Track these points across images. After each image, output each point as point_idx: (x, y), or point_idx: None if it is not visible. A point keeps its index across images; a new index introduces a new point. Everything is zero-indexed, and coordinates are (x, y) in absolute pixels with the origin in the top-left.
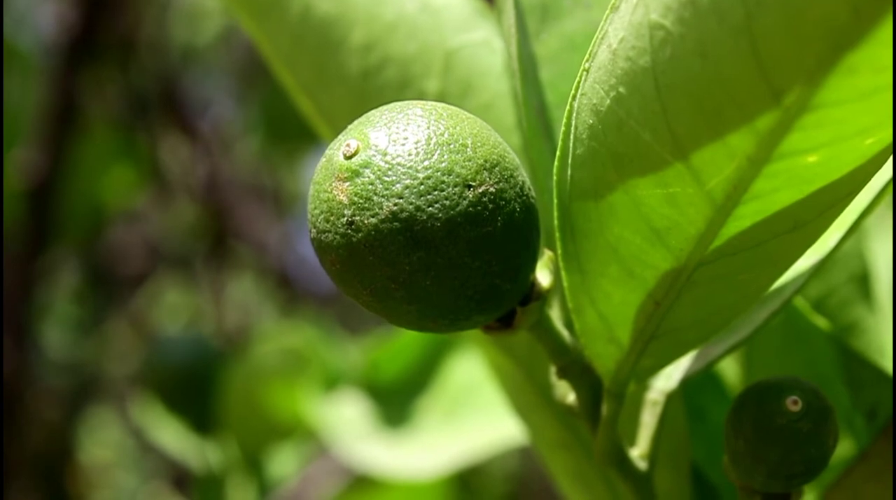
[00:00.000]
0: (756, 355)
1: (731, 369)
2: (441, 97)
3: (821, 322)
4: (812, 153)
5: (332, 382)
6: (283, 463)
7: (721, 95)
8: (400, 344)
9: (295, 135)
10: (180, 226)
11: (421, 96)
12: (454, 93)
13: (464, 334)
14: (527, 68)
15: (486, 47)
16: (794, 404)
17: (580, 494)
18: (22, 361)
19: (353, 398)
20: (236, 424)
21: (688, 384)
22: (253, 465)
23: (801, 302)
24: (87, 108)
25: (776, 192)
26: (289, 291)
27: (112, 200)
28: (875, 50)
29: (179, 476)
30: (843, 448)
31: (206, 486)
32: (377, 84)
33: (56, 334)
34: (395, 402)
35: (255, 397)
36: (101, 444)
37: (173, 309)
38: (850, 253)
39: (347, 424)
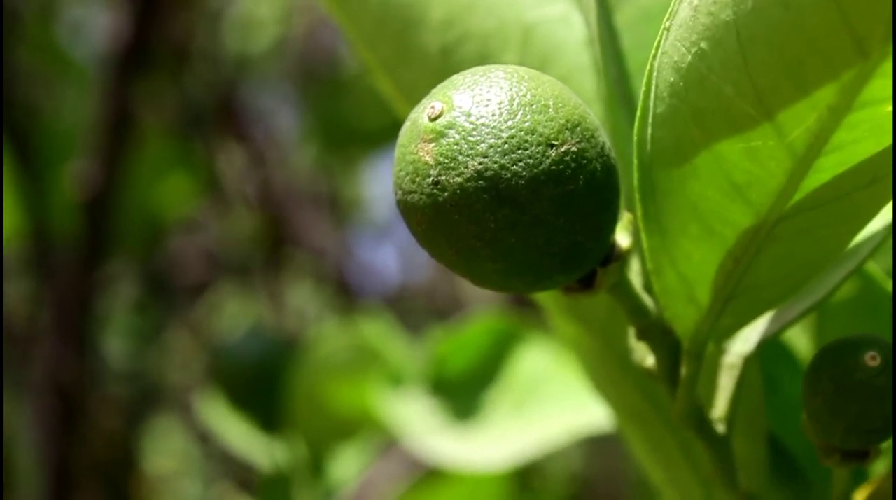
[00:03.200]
0: (827, 327)
1: (802, 343)
2: None
3: (892, 289)
4: (889, 101)
5: (398, 377)
6: (350, 461)
7: (803, 44)
8: (466, 337)
9: (352, 142)
10: (238, 234)
11: None
12: (532, 66)
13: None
14: (606, 38)
15: (563, 22)
16: (872, 359)
17: (658, 464)
18: (82, 370)
19: (421, 393)
20: (303, 422)
21: (761, 356)
22: (319, 463)
23: (875, 269)
24: (142, 118)
25: (856, 143)
26: (347, 297)
27: (169, 210)
28: None
29: (244, 480)
30: None
31: (273, 484)
32: (456, 60)
33: (117, 343)
34: (463, 395)
35: (322, 394)
36: (164, 453)
37: (233, 317)
38: None
39: (416, 418)
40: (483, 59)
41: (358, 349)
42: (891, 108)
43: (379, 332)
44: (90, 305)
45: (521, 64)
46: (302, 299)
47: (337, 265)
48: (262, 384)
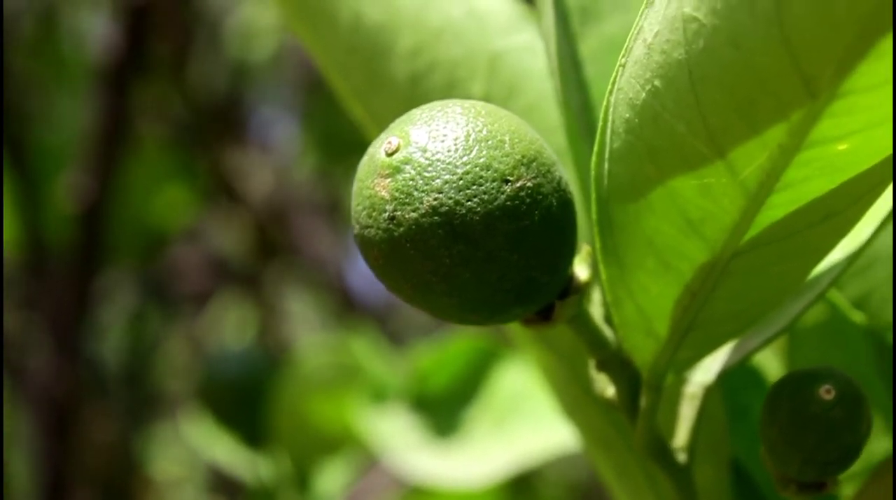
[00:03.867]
0: (798, 353)
1: (773, 368)
2: (486, 99)
3: (858, 318)
4: (843, 141)
5: (380, 393)
6: (335, 476)
7: (753, 84)
8: (447, 354)
9: (352, 151)
10: (238, 243)
11: (467, 99)
12: (499, 95)
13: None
14: (567, 69)
15: (529, 50)
16: (827, 392)
17: (624, 490)
18: (77, 381)
19: (402, 409)
20: (287, 437)
21: (730, 382)
22: (304, 478)
23: (839, 299)
24: (141, 127)
25: (808, 180)
26: (348, 305)
27: (168, 220)
28: None
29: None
30: (881, 443)
31: (258, 499)
32: (425, 88)
33: (117, 352)
34: (445, 412)
35: (304, 410)
36: (168, 460)
37: (233, 325)
38: (889, 252)
39: (397, 435)
40: (451, 87)
41: (340, 366)
42: (842, 146)
43: (362, 348)
44: (85, 315)
45: (488, 92)
46: (302, 307)
47: (337, 274)
48: (246, 400)
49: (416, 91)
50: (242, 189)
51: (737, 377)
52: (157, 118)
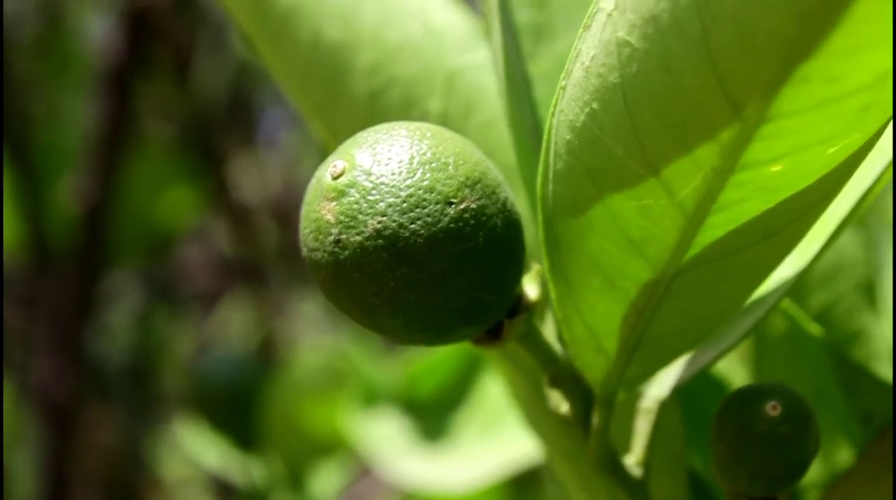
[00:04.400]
0: (764, 364)
1: (740, 377)
2: (444, 116)
3: (815, 330)
4: (775, 163)
5: (371, 398)
6: (328, 479)
7: (684, 108)
8: (437, 360)
9: None
10: (245, 243)
11: (424, 116)
12: (456, 112)
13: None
14: (518, 87)
15: (485, 68)
16: (773, 409)
17: None
18: (78, 382)
19: (392, 414)
20: (278, 441)
21: (694, 392)
22: (296, 482)
23: (797, 310)
24: (144, 127)
25: (744, 201)
26: None
27: (173, 220)
28: (825, 61)
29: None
30: (842, 455)
31: None
32: (383, 105)
33: (123, 353)
34: (434, 417)
35: (296, 414)
36: (178, 461)
37: (239, 326)
38: (855, 261)
39: (386, 439)
40: (408, 104)
41: (331, 370)
42: (776, 168)
43: (353, 352)
44: (88, 316)
45: (446, 109)
46: (309, 307)
47: None
48: (238, 404)
49: (374, 108)
50: (249, 189)
51: (701, 387)
52: (161, 118)
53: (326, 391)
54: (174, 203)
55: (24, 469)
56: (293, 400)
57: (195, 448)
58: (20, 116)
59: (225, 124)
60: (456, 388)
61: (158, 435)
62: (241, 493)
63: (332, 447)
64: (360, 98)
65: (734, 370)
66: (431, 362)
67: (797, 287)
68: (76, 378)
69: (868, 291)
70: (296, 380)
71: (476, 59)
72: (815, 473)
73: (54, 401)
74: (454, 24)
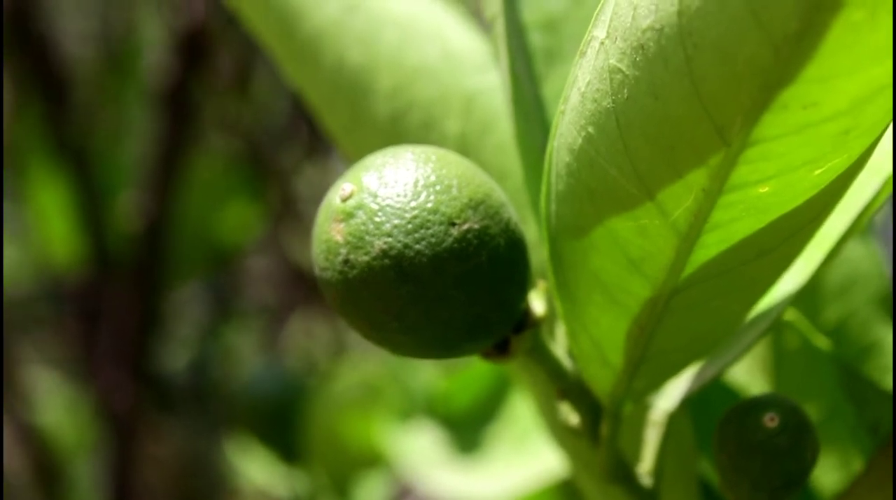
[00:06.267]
0: (782, 376)
1: (758, 390)
2: (462, 137)
3: (824, 345)
4: (762, 184)
5: (407, 412)
6: (370, 492)
7: (672, 132)
8: (471, 374)
9: None
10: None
11: (443, 137)
12: (474, 132)
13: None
14: (529, 110)
15: (501, 90)
16: (771, 420)
17: None
18: (141, 396)
19: (427, 428)
20: (320, 455)
21: (712, 403)
22: (339, 494)
23: (804, 323)
24: (204, 142)
25: (735, 221)
26: None
27: (236, 233)
28: (802, 88)
29: None
30: (855, 464)
31: None
32: (404, 126)
33: (188, 366)
34: (467, 431)
35: (336, 429)
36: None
37: (302, 337)
38: (870, 275)
39: (422, 452)
40: (427, 125)
41: (367, 386)
42: (764, 189)
43: (390, 367)
44: (150, 329)
45: (463, 130)
46: None
47: None
48: (281, 419)
49: (396, 129)
50: (314, 200)
51: (719, 398)
52: (223, 132)
53: (362, 407)
54: (237, 217)
55: (88, 482)
56: (333, 415)
57: (240, 462)
58: (83, 131)
59: (287, 136)
60: (489, 402)
61: (225, 448)
62: None
63: (372, 461)
64: (382, 120)
65: (754, 382)
66: (465, 376)
67: (812, 301)
68: (139, 391)
69: (882, 304)
70: (335, 395)
71: (492, 81)
72: (829, 481)
73: (117, 414)
74: (471, 46)
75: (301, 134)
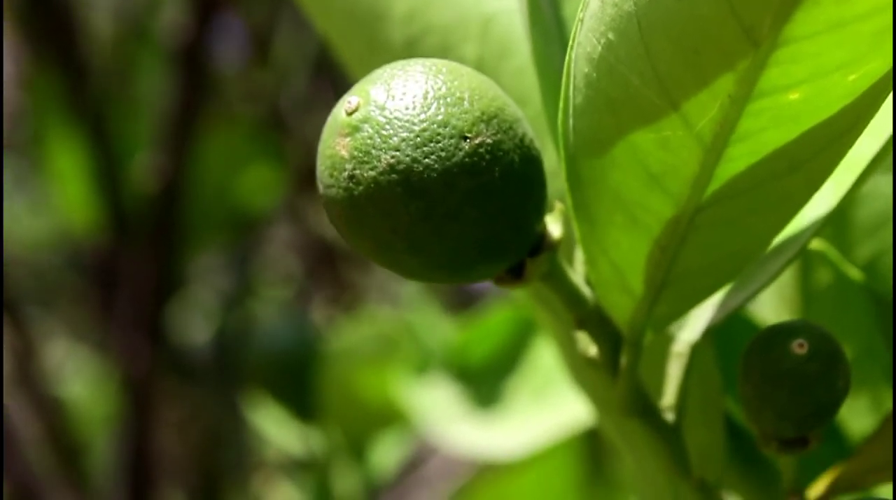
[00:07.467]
0: (811, 314)
1: None
2: (479, 61)
3: (854, 273)
4: (793, 90)
5: (423, 365)
6: (388, 449)
7: (697, 33)
8: (488, 325)
9: None
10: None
11: (460, 61)
12: (492, 56)
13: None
14: (549, 30)
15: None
16: (800, 347)
17: (628, 454)
18: (157, 364)
19: (444, 381)
20: (336, 411)
21: (736, 339)
22: (358, 450)
23: (834, 253)
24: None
25: (763, 131)
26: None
27: (257, 198)
28: None
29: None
30: (885, 405)
31: (310, 471)
32: (420, 52)
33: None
34: (485, 383)
35: (353, 383)
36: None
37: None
38: None
39: (439, 406)
40: (444, 51)
41: (383, 338)
42: (794, 96)
43: (406, 319)
44: (168, 294)
45: (481, 54)
46: (395, 286)
47: None
48: (295, 374)
49: (411, 55)
50: None
51: (743, 334)
52: (243, 97)
53: (378, 361)
54: (257, 182)
55: (107, 450)
56: (347, 370)
57: (257, 421)
58: (101, 96)
59: (309, 102)
60: (508, 354)
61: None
62: (301, 464)
63: (389, 416)
64: (397, 46)
65: (781, 319)
66: (482, 328)
67: (843, 238)
68: (156, 357)
69: None
70: (348, 350)
71: (510, 4)
72: (860, 425)
73: (135, 380)
74: None
75: (324, 100)
